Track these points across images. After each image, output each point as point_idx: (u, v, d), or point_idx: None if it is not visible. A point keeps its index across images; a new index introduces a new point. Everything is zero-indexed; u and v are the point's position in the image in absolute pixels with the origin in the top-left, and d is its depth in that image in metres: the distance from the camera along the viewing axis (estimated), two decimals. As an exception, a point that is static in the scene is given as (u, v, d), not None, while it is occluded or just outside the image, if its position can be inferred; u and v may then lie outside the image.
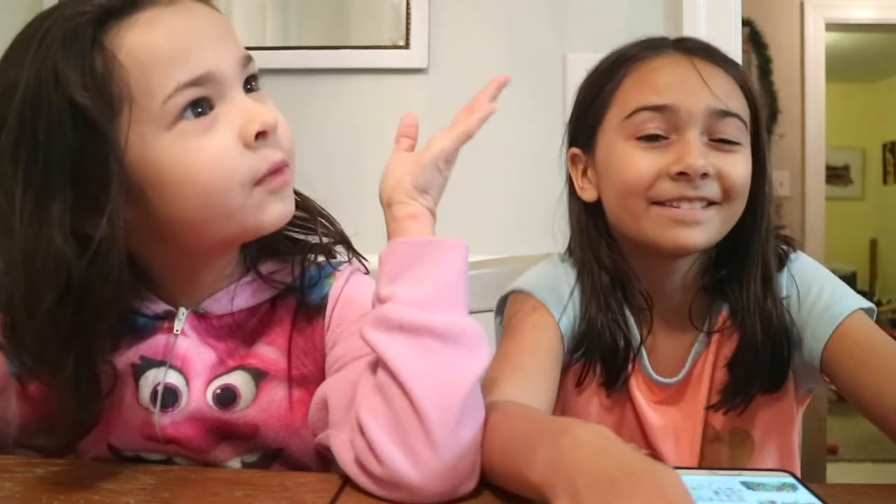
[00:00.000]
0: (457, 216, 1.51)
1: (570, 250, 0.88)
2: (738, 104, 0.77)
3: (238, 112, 0.62)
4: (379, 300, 0.62)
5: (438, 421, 0.56)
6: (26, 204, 0.57)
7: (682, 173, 0.74)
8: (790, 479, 0.56)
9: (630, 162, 0.77)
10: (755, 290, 0.79)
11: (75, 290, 0.57)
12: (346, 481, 0.61)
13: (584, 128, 0.84)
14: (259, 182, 0.63)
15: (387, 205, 0.65)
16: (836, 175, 5.64)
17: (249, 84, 0.66)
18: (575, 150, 0.86)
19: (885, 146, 5.81)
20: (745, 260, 0.80)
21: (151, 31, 0.60)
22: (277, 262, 0.73)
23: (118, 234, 0.58)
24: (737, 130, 0.76)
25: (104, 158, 0.58)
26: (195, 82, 0.60)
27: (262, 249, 0.72)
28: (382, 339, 0.60)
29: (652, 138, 0.76)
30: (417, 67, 1.51)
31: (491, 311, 1.14)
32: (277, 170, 0.64)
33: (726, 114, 0.75)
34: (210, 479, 0.62)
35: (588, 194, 0.84)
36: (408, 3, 1.50)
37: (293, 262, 0.72)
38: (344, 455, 0.61)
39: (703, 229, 0.75)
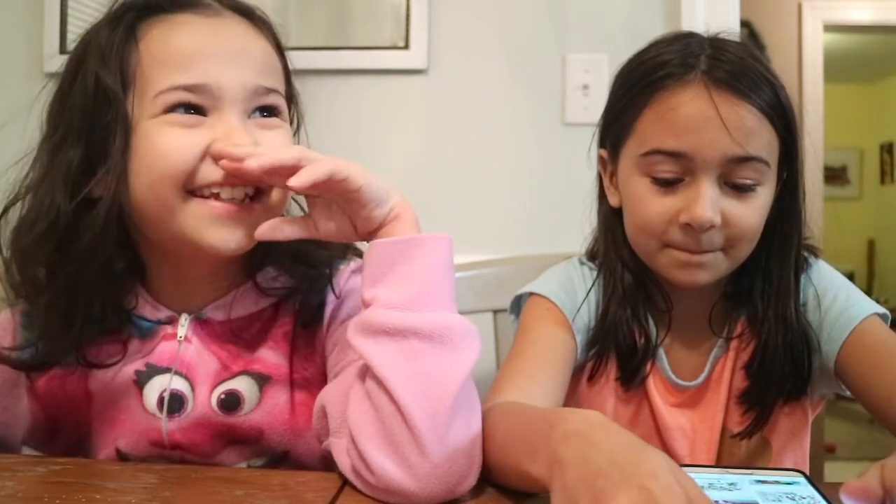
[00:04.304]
0: (456, 216, 1.52)
1: (591, 253, 0.88)
2: (762, 142, 0.74)
3: (220, 128, 0.64)
4: (364, 304, 0.62)
5: (427, 426, 0.56)
6: (48, 149, 0.67)
7: (688, 224, 0.74)
8: (801, 480, 0.55)
9: (644, 204, 0.77)
10: (777, 300, 0.79)
11: (62, 229, 0.65)
12: (347, 481, 0.61)
13: (609, 137, 0.83)
14: (198, 193, 0.64)
15: (373, 231, 0.65)
16: (834, 175, 5.65)
17: (265, 112, 0.67)
18: (603, 152, 0.85)
19: (882, 146, 5.82)
20: (770, 270, 0.80)
21: (173, 33, 0.65)
22: (279, 268, 0.73)
23: (109, 195, 0.64)
24: (755, 172, 0.74)
25: (111, 125, 0.64)
26: (188, 88, 0.64)
27: (265, 257, 0.73)
28: (368, 345, 0.59)
29: (666, 181, 0.75)
30: (417, 68, 1.51)
31: (491, 311, 1.14)
32: (222, 196, 0.64)
33: (745, 159, 0.73)
34: (211, 479, 0.62)
35: (614, 200, 0.84)
36: (408, 4, 1.50)
37: (293, 267, 0.73)
38: (343, 462, 0.61)
39: (708, 271, 0.76)
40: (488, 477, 0.61)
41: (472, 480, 0.58)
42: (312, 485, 0.61)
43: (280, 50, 0.73)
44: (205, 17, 0.67)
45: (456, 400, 0.57)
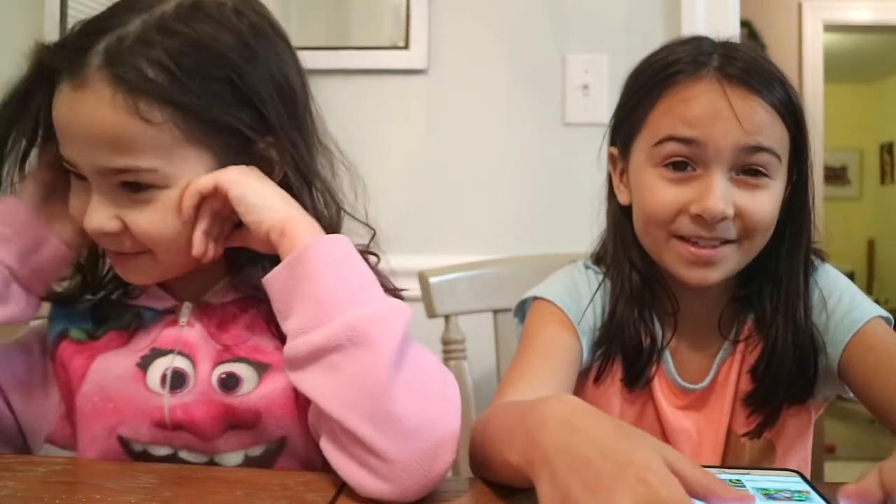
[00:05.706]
0: (456, 216, 1.52)
1: (596, 258, 0.88)
2: (773, 135, 0.74)
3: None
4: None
5: (370, 430, 0.57)
6: None
7: (699, 215, 0.74)
8: (799, 480, 0.55)
9: (654, 194, 0.76)
10: (786, 302, 0.79)
11: None
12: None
13: (621, 134, 0.83)
14: None
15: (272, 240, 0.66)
16: (834, 176, 5.65)
17: (133, 185, 0.67)
18: (613, 150, 0.85)
19: (882, 147, 5.82)
20: (779, 272, 0.80)
21: (55, 104, 0.67)
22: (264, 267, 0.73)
23: None
24: (767, 164, 0.74)
25: None
26: (69, 162, 0.67)
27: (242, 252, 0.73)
28: (298, 377, 0.61)
29: (679, 166, 0.75)
30: (417, 68, 1.51)
31: (491, 311, 1.14)
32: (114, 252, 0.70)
33: (757, 149, 0.73)
34: (211, 479, 0.63)
35: (623, 197, 0.84)
36: (408, 4, 1.50)
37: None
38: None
39: (718, 268, 0.76)
40: (483, 474, 0.61)
41: (446, 458, 0.58)
42: (312, 485, 0.61)
43: (183, 102, 0.65)
44: (72, 90, 0.64)
45: (389, 390, 0.57)
